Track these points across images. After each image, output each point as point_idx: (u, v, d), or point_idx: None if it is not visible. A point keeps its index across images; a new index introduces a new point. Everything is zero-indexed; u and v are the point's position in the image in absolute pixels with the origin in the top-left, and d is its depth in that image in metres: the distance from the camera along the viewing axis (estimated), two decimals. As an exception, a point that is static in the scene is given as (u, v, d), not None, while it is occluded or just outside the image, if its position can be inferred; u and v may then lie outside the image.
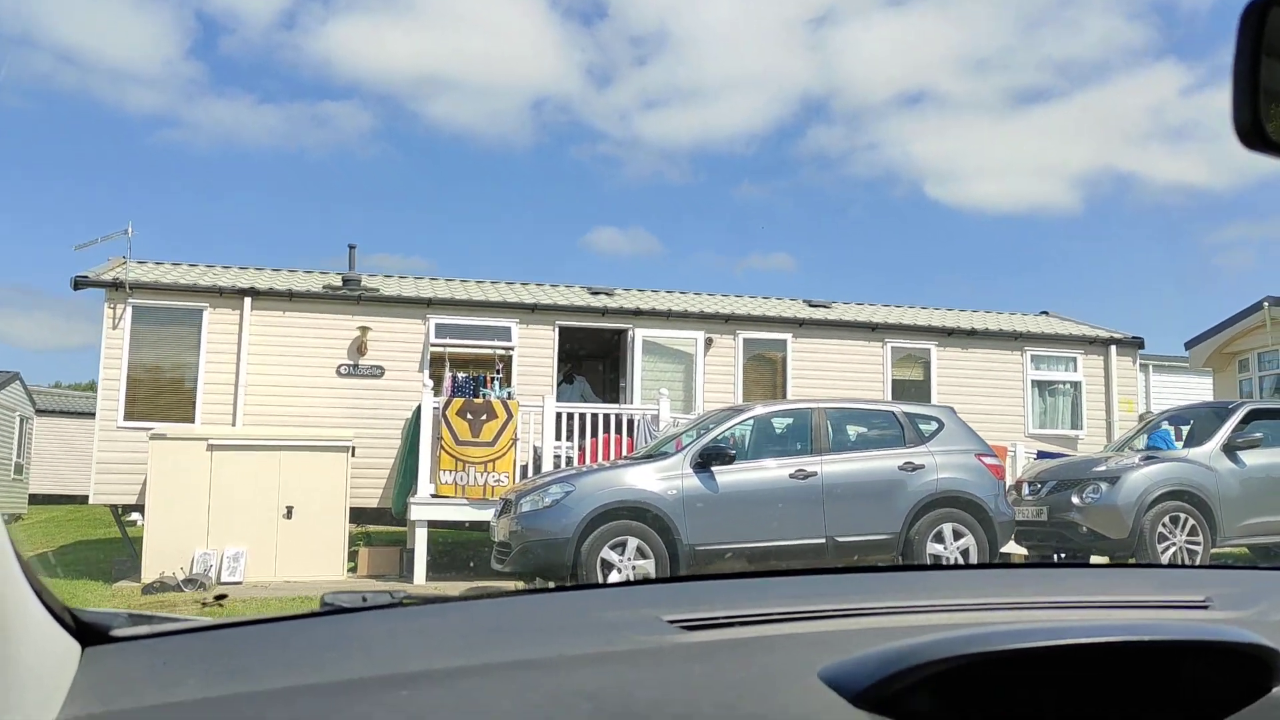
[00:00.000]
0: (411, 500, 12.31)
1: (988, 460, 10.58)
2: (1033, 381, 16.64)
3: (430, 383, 13.16)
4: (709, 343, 15.70)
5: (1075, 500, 10.98)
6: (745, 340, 15.86)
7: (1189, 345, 21.09)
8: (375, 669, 0.95)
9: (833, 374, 15.75)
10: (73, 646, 0.97)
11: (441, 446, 12.39)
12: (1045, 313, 18.89)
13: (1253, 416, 11.45)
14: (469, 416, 12.54)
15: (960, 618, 1.10)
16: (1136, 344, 17.06)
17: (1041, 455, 14.26)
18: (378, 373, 14.56)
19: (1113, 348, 16.81)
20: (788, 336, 16.00)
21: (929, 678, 0.87)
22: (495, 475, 12.37)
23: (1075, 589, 1.34)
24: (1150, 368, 22.34)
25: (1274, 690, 0.92)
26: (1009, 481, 12.15)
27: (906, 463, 10.27)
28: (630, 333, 15.54)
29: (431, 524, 12.32)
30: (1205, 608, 1.19)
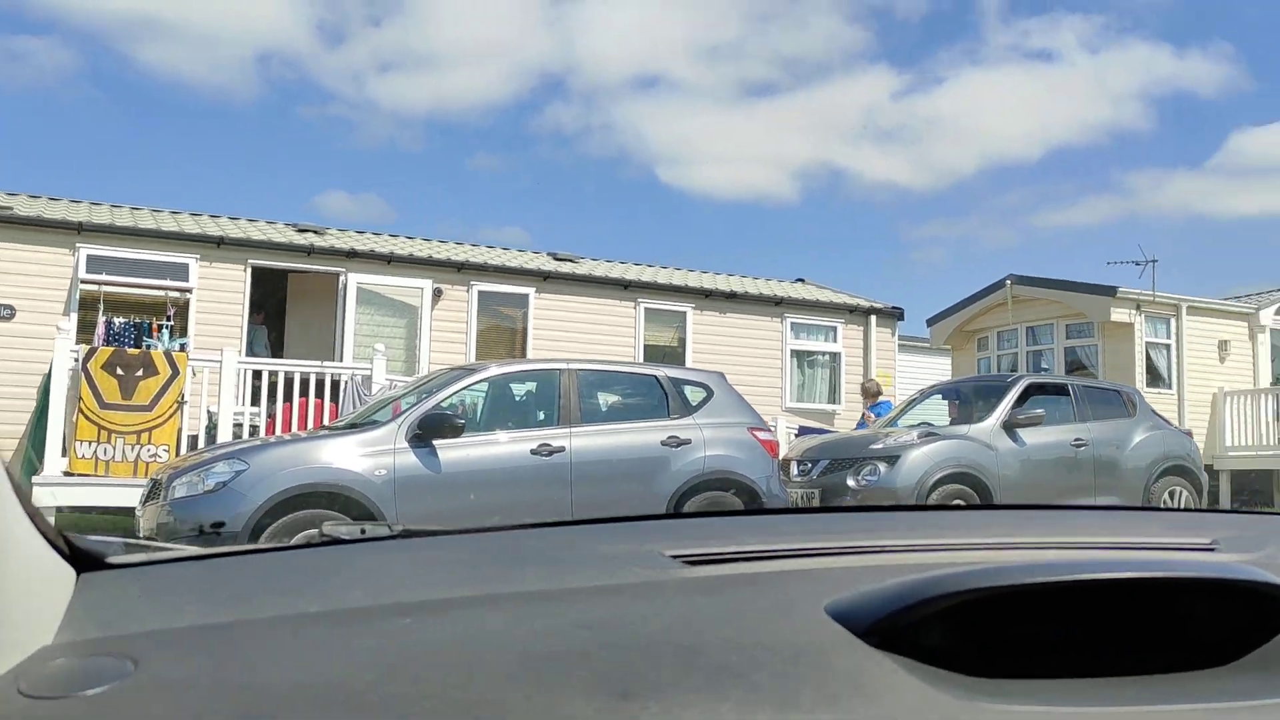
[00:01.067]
0: (36, 480, 9.38)
1: (762, 435, 9.04)
2: (792, 351, 15.50)
3: (70, 328, 10.16)
4: (438, 294, 13.43)
5: (851, 482, 9.69)
6: (481, 293, 13.71)
7: (930, 323, 20.92)
8: (377, 598, 0.94)
9: (580, 335, 13.90)
10: (68, 572, 0.96)
11: (80, 409, 9.54)
12: (801, 280, 17.89)
13: (1031, 391, 10.56)
14: (120, 372, 9.71)
15: (969, 556, 1.08)
16: (896, 314, 16.30)
17: (803, 431, 13.07)
18: (5, 314, 11.33)
19: (873, 318, 15.96)
20: (530, 291, 13.99)
21: (938, 613, 0.85)
22: (152, 448, 9.65)
23: (1084, 529, 1.34)
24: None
25: None
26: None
27: (671, 437, 8.56)
28: (343, 278, 13.01)
29: (73, 510, 9.51)
30: (1212, 549, 1.18)
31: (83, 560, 0.98)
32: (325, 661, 0.82)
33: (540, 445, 8.04)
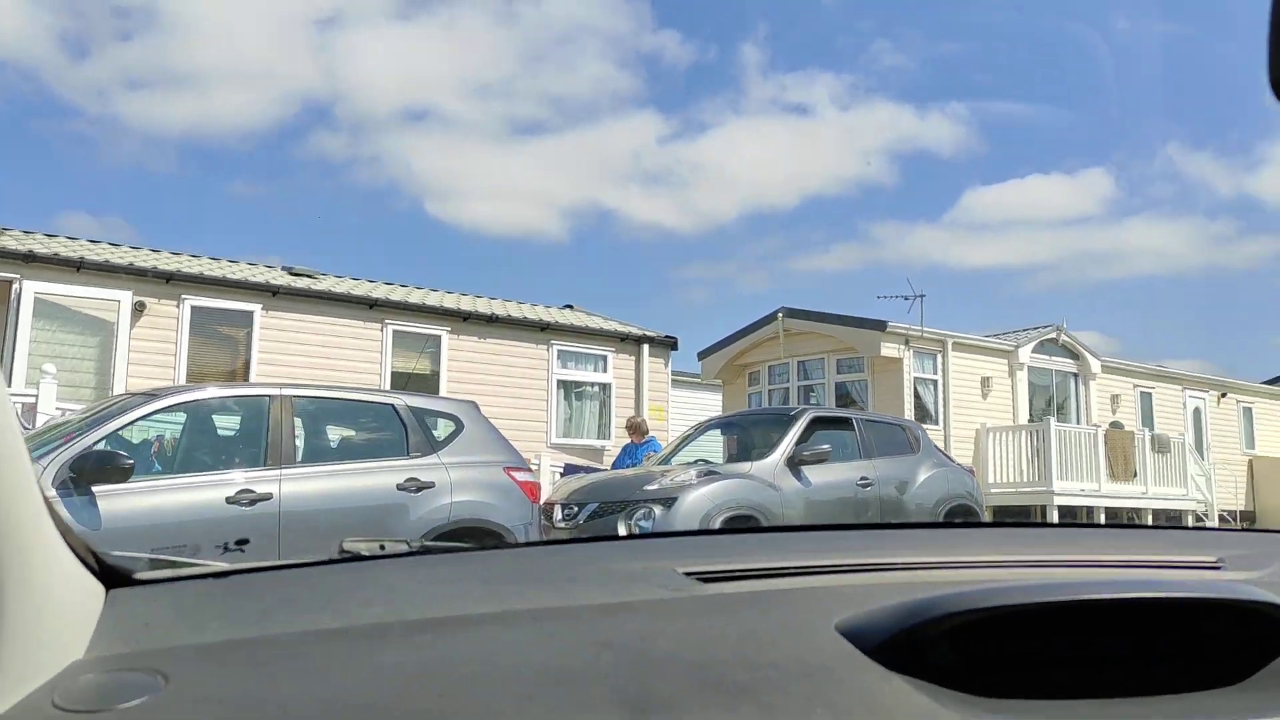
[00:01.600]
0: None
1: (520, 476, 7.64)
2: (559, 381, 14.21)
3: None
4: (140, 309, 11.29)
5: (622, 529, 8.42)
6: (194, 308, 11.68)
7: (702, 355, 20.25)
8: (397, 614, 0.96)
9: (316, 359, 12.08)
10: (97, 588, 0.98)
11: None
12: (570, 306, 16.68)
13: (815, 426, 9.69)
14: None
15: (978, 574, 1.10)
16: (669, 344, 15.33)
17: (569, 470, 11.79)
18: None
19: (645, 346, 14.91)
20: (256, 308, 12.05)
21: (947, 631, 0.87)
22: None
23: (1091, 548, 1.33)
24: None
25: None
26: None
27: (410, 480, 7.07)
28: (16, 286, 10.69)
29: None
30: (1218, 568, 1.19)
31: (111, 576, 1.00)
32: (348, 677, 0.84)
33: (240, 492, 6.33)
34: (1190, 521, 17.67)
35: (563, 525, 8.88)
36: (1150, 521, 17.15)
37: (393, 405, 7.52)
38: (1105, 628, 0.91)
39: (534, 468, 12.53)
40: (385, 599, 1.02)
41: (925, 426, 16.27)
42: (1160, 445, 17.43)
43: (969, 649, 0.87)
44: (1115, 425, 17.77)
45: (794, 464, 9.19)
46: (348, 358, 12.42)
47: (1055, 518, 15.71)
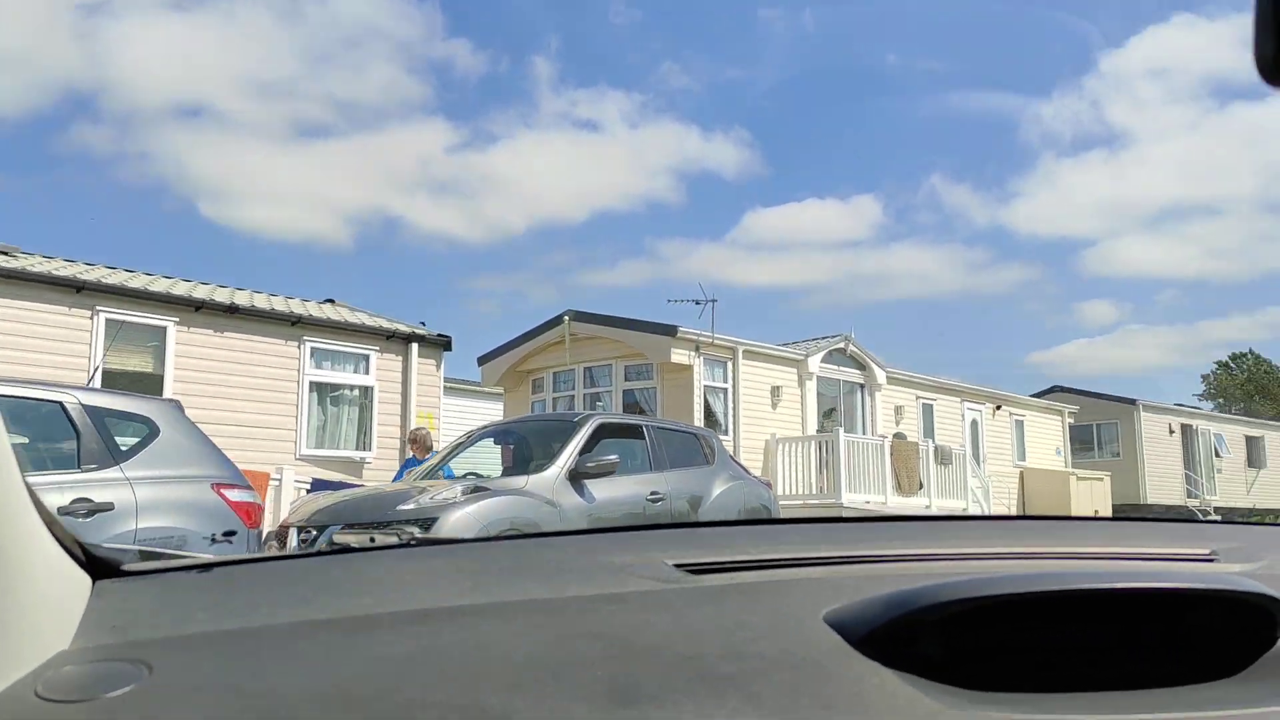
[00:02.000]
0: None
1: (234, 495, 6.10)
2: (312, 383, 12.45)
3: None
4: None
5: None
6: None
7: (482, 361, 18.84)
8: (387, 606, 0.96)
9: (8, 353, 9.93)
10: (83, 579, 0.99)
11: None
12: (331, 300, 14.89)
13: (602, 434, 8.53)
14: None
15: (968, 566, 1.11)
16: (442, 343, 13.81)
17: (318, 485, 10.19)
18: None
19: (414, 346, 13.33)
20: (-80, 286, 9.79)
21: (935, 622, 0.87)
22: None
23: (1083, 540, 1.34)
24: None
25: None
26: (267, 527, 7.89)
27: (80, 500, 5.52)
28: None
29: None
30: (1212, 560, 1.19)
31: (98, 567, 1.01)
32: (335, 668, 0.84)
33: None
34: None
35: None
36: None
37: (61, 404, 5.84)
38: (1096, 619, 0.91)
39: (275, 481, 10.79)
40: (374, 591, 1.02)
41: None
42: (943, 457, 17.37)
43: (958, 641, 0.87)
44: (900, 436, 17.60)
45: (576, 477, 7.99)
46: (48, 349, 10.32)
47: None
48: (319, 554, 1.22)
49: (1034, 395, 24.47)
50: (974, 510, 17.90)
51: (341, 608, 0.95)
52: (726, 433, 15.98)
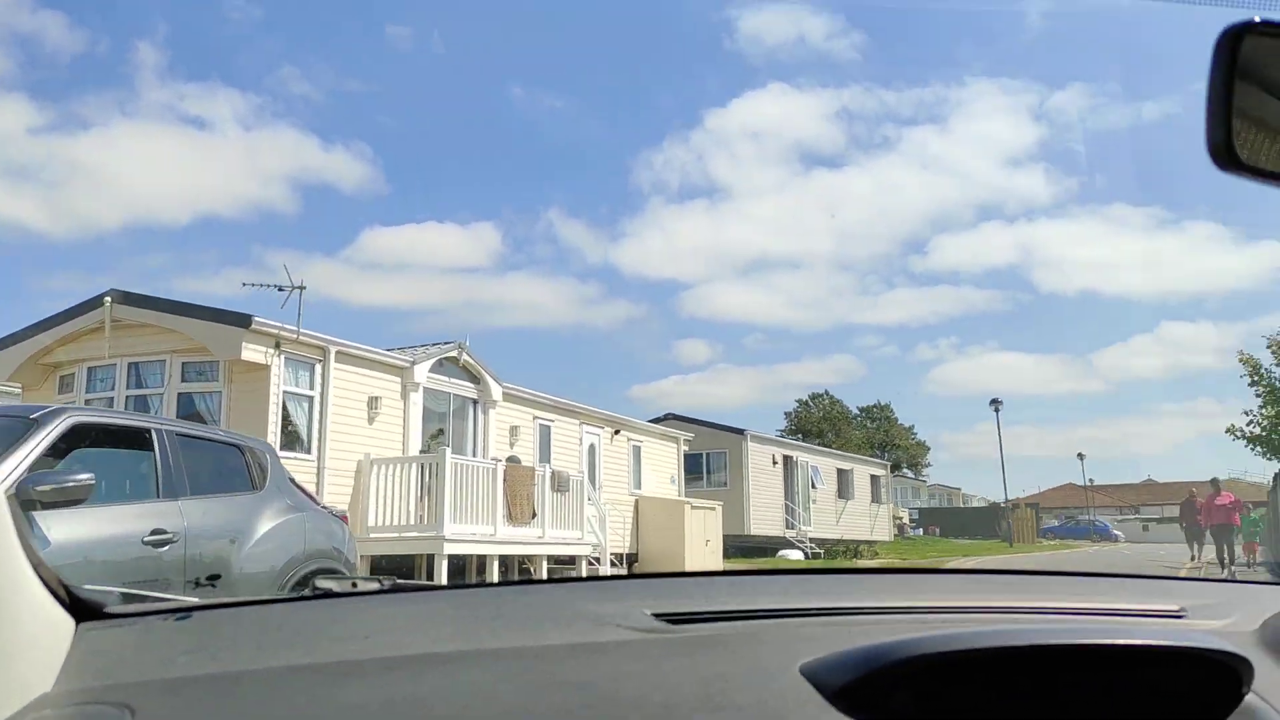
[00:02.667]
0: None
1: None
2: None
3: None
4: None
5: None
6: None
7: (-5, 350, 14.66)
8: (370, 652, 0.96)
9: None
10: (67, 622, 0.98)
11: None
12: None
13: (80, 438, 5.65)
14: None
15: (943, 619, 1.10)
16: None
17: None
18: None
19: None
20: None
21: (908, 676, 0.87)
22: None
23: (1055, 595, 1.33)
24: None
25: (1246, 699, 0.93)
26: None
27: None
28: None
29: None
30: (1181, 617, 1.20)
31: (82, 610, 1.02)
32: (317, 714, 0.84)
33: None
34: (584, 569, 16.06)
35: None
36: (545, 570, 15.20)
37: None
38: (1068, 675, 0.90)
39: None
40: (356, 636, 1.03)
41: (296, 456, 12.75)
42: (559, 483, 15.61)
43: (930, 695, 0.87)
44: (514, 460, 15.64)
45: (26, 504, 5.08)
46: None
47: (444, 570, 12.93)
48: (301, 599, 1.30)
49: (651, 421, 23.63)
50: (589, 541, 16.30)
51: (324, 653, 0.98)
52: (309, 450, 13.21)
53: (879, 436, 65.62)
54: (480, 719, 0.82)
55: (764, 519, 27.12)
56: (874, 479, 34.12)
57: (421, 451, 14.70)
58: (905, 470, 65.26)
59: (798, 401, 63.74)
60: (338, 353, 13.68)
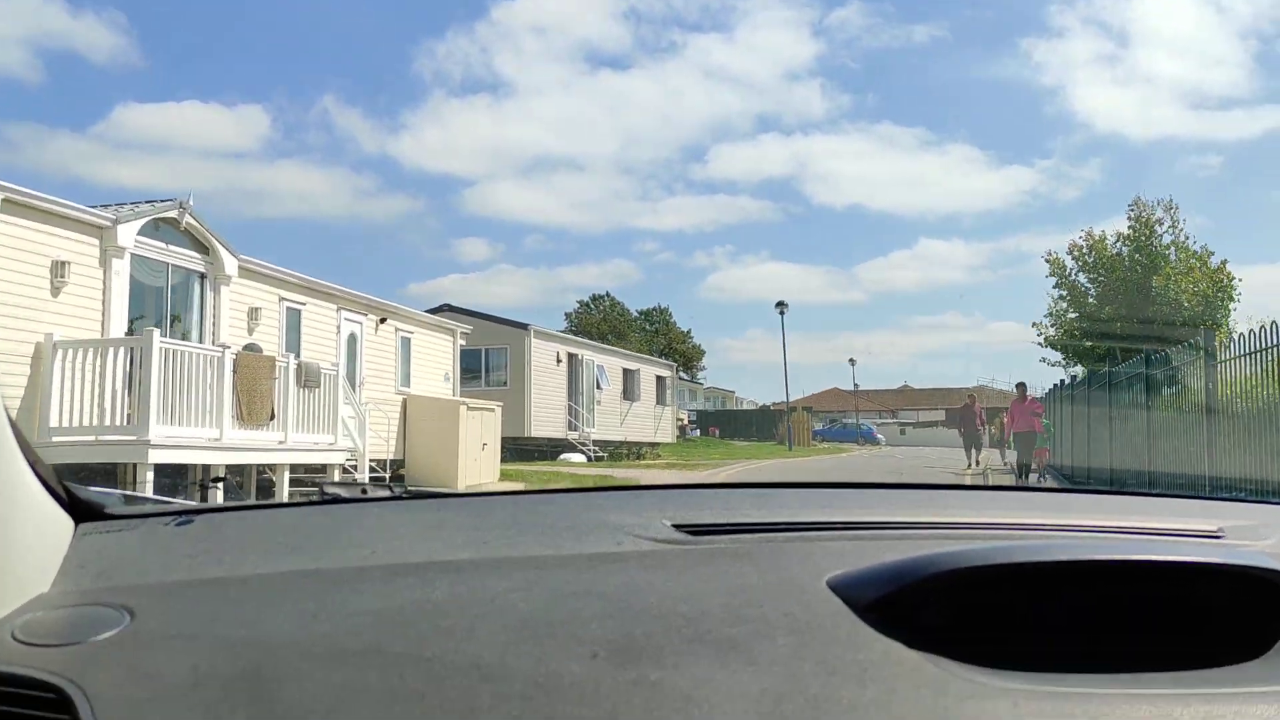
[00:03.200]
0: None
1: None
2: None
3: None
4: None
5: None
6: None
7: None
8: (378, 558, 0.95)
9: None
10: (66, 522, 0.99)
11: None
12: None
13: None
14: None
15: (973, 536, 1.06)
16: None
17: None
18: None
19: None
20: None
21: (939, 590, 0.86)
22: None
23: (1090, 514, 1.26)
24: None
25: None
26: None
27: None
28: None
29: None
30: (1219, 537, 1.15)
31: (82, 510, 1.02)
32: (323, 619, 0.83)
33: None
34: (337, 475, 13.60)
35: None
36: (288, 479, 12.67)
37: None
38: (1103, 591, 0.88)
39: None
40: (364, 542, 1.01)
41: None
42: (308, 378, 12.99)
43: (962, 610, 0.86)
44: (252, 349, 12.89)
45: None
46: None
47: (150, 479, 10.23)
48: (308, 504, 1.20)
49: (429, 311, 21.08)
50: (343, 446, 13.84)
51: (330, 558, 0.96)
52: (-36, 328, 10.06)
53: (659, 341, 65.78)
54: (494, 628, 0.81)
55: (546, 420, 25.24)
56: (660, 380, 32.91)
57: (127, 334, 11.72)
58: (682, 373, 65.96)
59: (579, 303, 63.04)
60: (5, 199, 10.44)
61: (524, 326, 24.89)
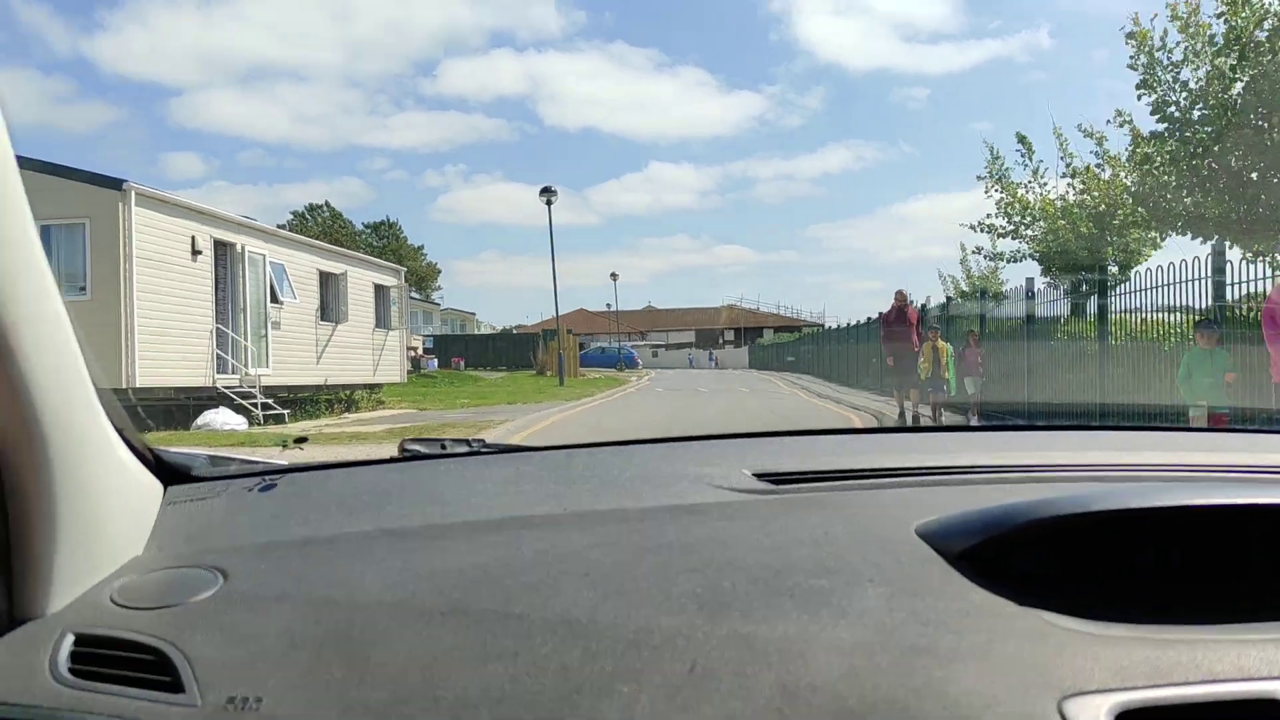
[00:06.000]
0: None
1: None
2: None
3: None
4: None
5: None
6: None
7: None
8: (460, 515, 0.96)
9: None
10: (155, 486, 1.01)
11: None
12: None
13: None
14: None
15: (1067, 479, 1.04)
16: None
17: None
18: None
19: None
20: None
21: (1034, 538, 0.83)
22: None
23: (1186, 450, 1.22)
24: None
25: None
26: None
27: None
28: None
29: None
30: None
31: (169, 474, 1.05)
32: (409, 577, 0.83)
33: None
34: None
35: None
36: None
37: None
38: (1208, 536, 0.84)
39: None
40: (445, 499, 1.01)
41: None
42: None
43: (1058, 557, 0.83)
44: None
45: None
46: None
47: None
48: (388, 461, 1.21)
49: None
50: None
51: (413, 516, 0.97)
52: None
53: (387, 257, 58.90)
54: (581, 584, 0.80)
55: (169, 358, 14.18)
56: (380, 291, 22.21)
57: None
58: (415, 293, 59.09)
59: (292, 214, 54.36)
60: None
61: (116, 184, 13.56)
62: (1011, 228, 16.66)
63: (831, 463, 1.09)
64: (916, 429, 1.39)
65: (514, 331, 52.20)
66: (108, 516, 0.88)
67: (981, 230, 17.07)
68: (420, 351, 29.88)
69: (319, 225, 54.46)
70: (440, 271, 65.51)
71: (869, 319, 24.78)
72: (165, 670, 0.76)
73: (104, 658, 0.78)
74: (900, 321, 13.98)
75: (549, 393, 23.90)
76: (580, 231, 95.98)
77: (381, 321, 22.22)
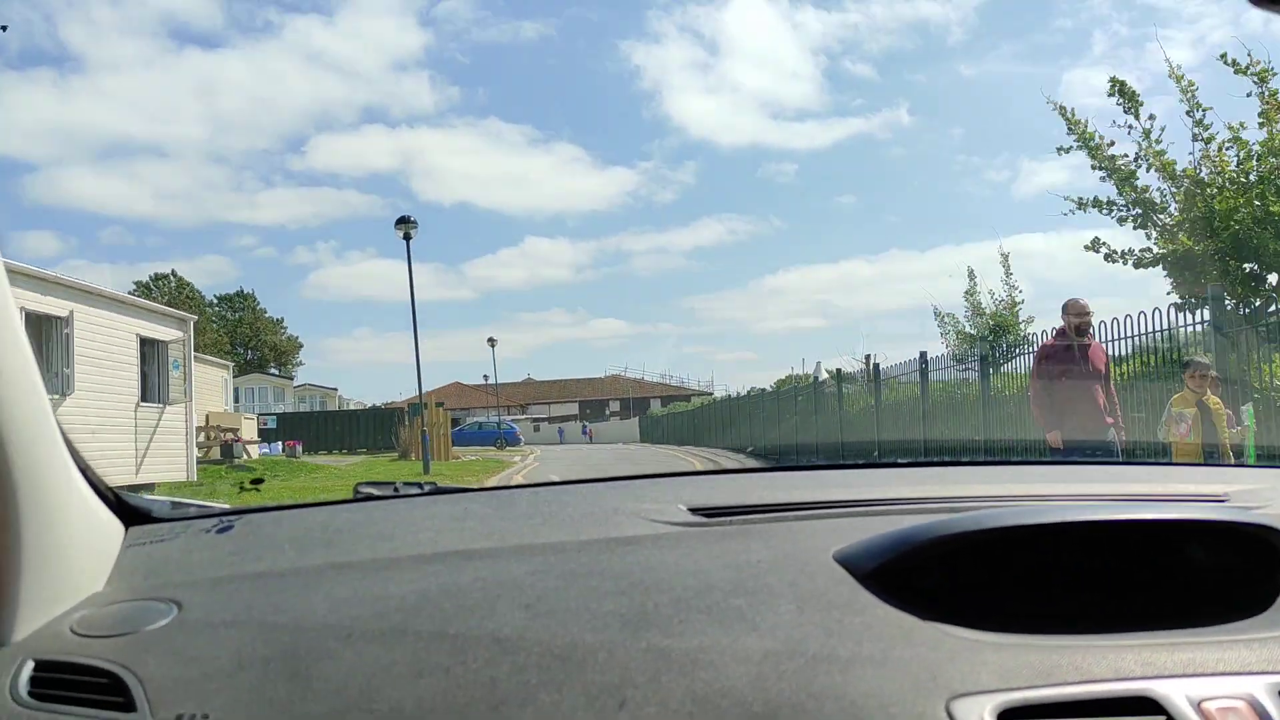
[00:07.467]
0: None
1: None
2: None
3: None
4: None
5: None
6: None
7: None
8: (407, 549, 1.00)
9: None
10: (117, 526, 1.04)
11: None
12: None
13: None
14: None
15: (978, 508, 1.05)
16: None
17: None
18: None
19: None
20: None
21: (938, 557, 0.87)
22: None
23: (1092, 483, 1.30)
24: None
25: None
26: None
27: None
28: None
29: None
30: (1223, 501, 1.15)
31: (131, 515, 1.08)
32: (355, 604, 0.87)
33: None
34: None
35: None
36: None
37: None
38: (1101, 552, 0.88)
39: None
40: (396, 535, 1.05)
41: None
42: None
43: (960, 574, 0.87)
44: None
45: None
46: None
47: None
48: (342, 502, 1.23)
49: None
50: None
51: (362, 551, 1.00)
52: None
53: (242, 331, 57.47)
54: (514, 606, 0.84)
55: None
56: (149, 346, 15.04)
57: None
58: (272, 369, 52.72)
59: (135, 283, 51.62)
60: None
61: None
62: (1140, 211, 10.69)
63: (764, 497, 1.15)
64: (844, 465, 1.34)
65: (381, 407, 45.20)
66: (70, 553, 0.90)
67: (1084, 209, 11.11)
68: (239, 436, 22.45)
69: (164, 295, 50.31)
70: (302, 346, 60.32)
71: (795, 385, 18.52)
72: (119, 691, 0.79)
73: (62, 681, 0.81)
74: (1074, 356, 7.26)
75: (409, 472, 16.82)
76: (456, 306, 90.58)
77: (151, 393, 15.04)
